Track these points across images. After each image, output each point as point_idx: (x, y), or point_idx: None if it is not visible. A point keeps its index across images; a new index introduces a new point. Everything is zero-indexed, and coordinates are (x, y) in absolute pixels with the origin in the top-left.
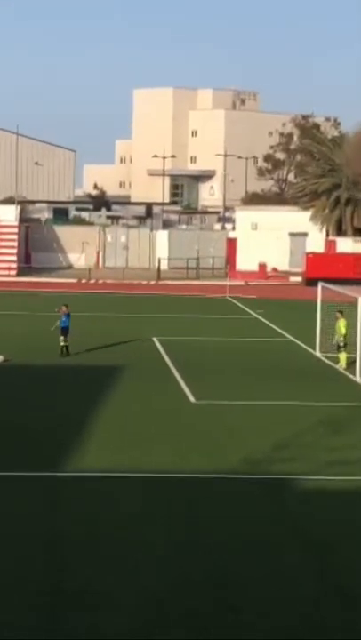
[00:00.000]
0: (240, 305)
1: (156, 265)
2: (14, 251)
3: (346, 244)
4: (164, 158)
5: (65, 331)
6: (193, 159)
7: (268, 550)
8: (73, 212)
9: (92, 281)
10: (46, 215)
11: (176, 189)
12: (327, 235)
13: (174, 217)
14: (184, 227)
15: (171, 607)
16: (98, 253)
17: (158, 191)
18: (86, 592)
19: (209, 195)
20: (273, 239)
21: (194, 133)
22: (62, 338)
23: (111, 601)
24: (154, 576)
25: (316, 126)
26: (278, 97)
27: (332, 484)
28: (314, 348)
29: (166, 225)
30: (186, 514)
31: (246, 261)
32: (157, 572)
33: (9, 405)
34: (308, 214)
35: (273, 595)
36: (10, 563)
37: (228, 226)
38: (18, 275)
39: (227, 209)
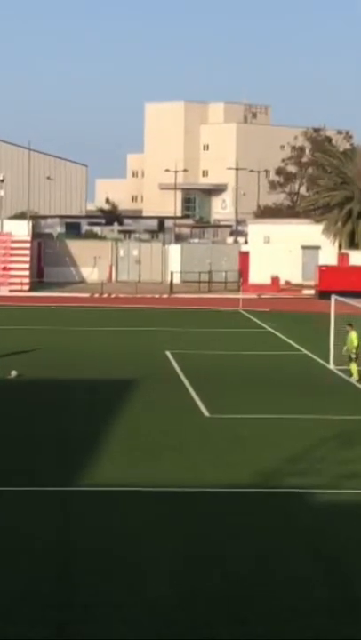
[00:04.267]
0: (253, 318)
1: (169, 279)
2: (27, 265)
3: (359, 257)
4: (176, 172)
5: None
6: (205, 173)
7: (280, 563)
8: (85, 227)
9: (105, 295)
10: (58, 230)
11: (188, 203)
12: (340, 247)
13: (186, 231)
14: (196, 240)
15: (181, 620)
16: (110, 267)
17: (170, 205)
18: (96, 605)
19: (221, 208)
20: (285, 252)
21: (205, 147)
22: None
23: (122, 614)
24: (164, 589)
25: (328, 139)
26: (290, 110)
27: (344, 498)
28: (327, 361)
29: (178, 239)
30: (197, 527)
31: (259, 274)
32: (168, 584)
33: (22, 420)
34: (320, 227)
35: (284, 607)
36: (20, 576)
37: (241, 239)
38: (31, 290)
39: (239, 222)
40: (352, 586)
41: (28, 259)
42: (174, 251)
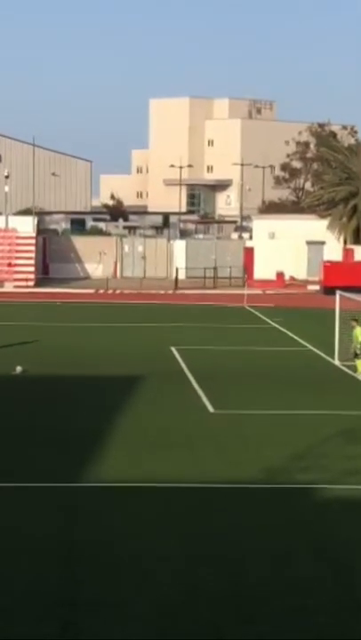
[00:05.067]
0: (258, 314)
1: (174, 274)
2: (32, 262)
3: None
4: (181, 168)
5: None
6: (210, 168)
7: (285, 560)
8: (90, 223)
9: (110, 291)
10: (63, 226)
11: (193, 199)
12: (345, 243)
13: (191, 226)
14: (201, 236)
15: (185, 618)
16: (115, 263)
17: (175, 201)
18: (101, 603)
19: (226, 204)
20: (290, 248)
21: (210, 143)
22: None
23: (126, 612)
24: (169, 587)
25: (333, 134)
26: (295, 106)
27: (349, 493)
28: (332, 357)
29: (183, 234)
30: (202, 523)
31: (264, 270)
32: (172, 582)
33: (26, 416)
34: (325, 223)
35: (289, 605)
36: (24, 574)
37: (246, 235)
38: (36, 285)
39: (244, 218)
40: (357, 584)
41: (32, 255)
42: (179, 246)
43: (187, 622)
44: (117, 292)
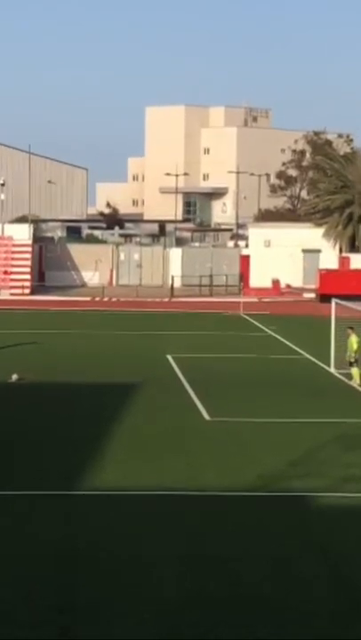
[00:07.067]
0: (254, 322)
1: (170, 282)
2: (28, 269)
3: (359, 261)
4: (177, 176)
5: None
6: (205, 176)
7: (284, 566)
8: (86, 231)
9: (106, 299)
10: (59, 234)
11: (189, 207)
12: (340, 251)
13: (187, 234)
14: (197, 244)
15: (184, 622)
16: (111, 271)
17: (171, 209)
18: (99, 607)
19: (222, 212)
20: (286, 256)
21: (206, 151)
22: None
23: (124, 616)
24: (167, 591)
25: (329, 143)
26: (290, 114)
27: (346, 501)
28: (328, 365)
29: (179, 242)
30: (200, 530)
31: (260, 278)
32: (171, 587)
33: (23, 423)
34: (321, 231)
35: (288, 610)
36: (22, 579)
37: (242, 243)
38: (32, 293)
39: (240, 226)
40: (355, 588)
41: (29, 262)
42: (175, 254)
43: (186, 625)
44: (113, 299)
